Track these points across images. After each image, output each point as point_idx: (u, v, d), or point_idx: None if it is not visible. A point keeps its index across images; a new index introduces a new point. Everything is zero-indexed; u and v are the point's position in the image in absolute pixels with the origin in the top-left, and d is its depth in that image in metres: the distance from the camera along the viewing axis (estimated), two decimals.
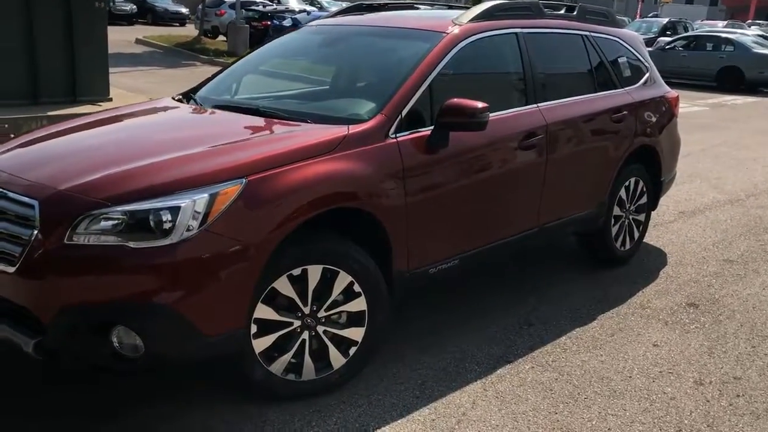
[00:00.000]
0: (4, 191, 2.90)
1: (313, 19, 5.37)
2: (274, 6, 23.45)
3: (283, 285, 2.97)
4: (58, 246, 2.67)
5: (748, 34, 20.03)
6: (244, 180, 2.81)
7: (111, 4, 27.34)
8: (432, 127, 3.46)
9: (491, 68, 4.17)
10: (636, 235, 5.10)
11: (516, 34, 4.15)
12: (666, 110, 5.25)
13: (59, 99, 8.42)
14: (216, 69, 4.57)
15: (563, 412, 3.18)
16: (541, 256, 5.13)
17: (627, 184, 4.88)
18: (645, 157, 5.01)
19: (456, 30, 3.84)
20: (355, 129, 3.24)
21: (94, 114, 4.12)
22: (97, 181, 2.79)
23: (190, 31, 26.12)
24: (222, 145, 3.09)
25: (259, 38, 18.09)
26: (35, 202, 2.74)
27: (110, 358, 2.76)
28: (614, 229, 4.88)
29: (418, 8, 4.87)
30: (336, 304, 3.13)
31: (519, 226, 4.10)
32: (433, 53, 3.65)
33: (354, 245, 3.17)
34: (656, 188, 5.21)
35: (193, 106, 3.92)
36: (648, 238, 5.52)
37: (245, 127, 3.38)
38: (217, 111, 3.76)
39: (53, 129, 3.62)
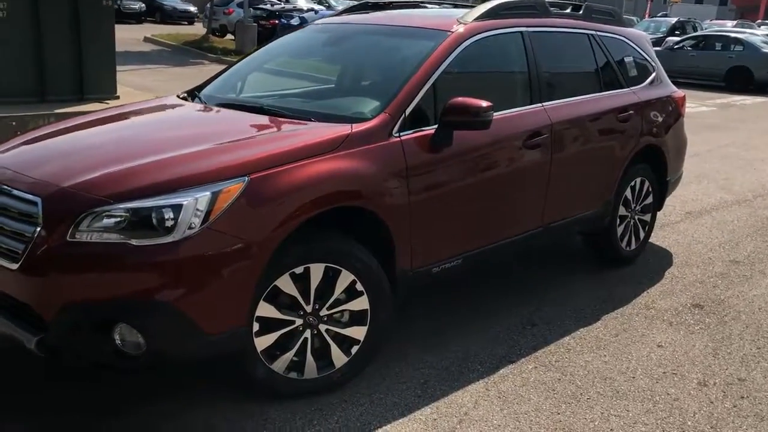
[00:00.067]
0: (8, 188, 2.91)
1: (321, 18, 5.36)
2: (282, 5, 23.45)
3: (285, 283, 2.97)
4: (61, 243, 2.67)
5: (757, 34, 19.92)
6: (246, 178, 2.81)
7: (119, 2, 27.43)
8: (436, 126, 3.45)
9: (496, 67, 4.16)
10: (641, 235, 5.08)
11: (521, 33, 4.13)
12: (672, 110, 5.22)
13: (66, 96, 8.43)
14: (223, 67, 4.57)
15: (566, 413, 3.17)
16: (546, 255, 5.11)
17: (633, 184, 4.86)
18: (651, 157, 4.99)
19: (461, 29, 3.83)
20: (358, 128, 3.24)
21: (98, 112, 4.13)
22: (100, 178, 2.79)
23: (198, 29, 26.16)
24: (225, 143, 3.09)
25: (267, 37, 18.08)
26: (38, 199, 2.75)
27: (112, 356, 2.76)
28: (620, 229, 4.86)
29: (425, 7, 4.85)
30: (338, 302, 3.13)
31: (523, 226, 4.09)
32: (437, 52, 3.64)
33: (357, 244, 3.16)
34: (662, 188, 5.19)
35: (198, 104, 3.92)
36: (654, 239, 5.49)
37: (248, 126, 3.39)
38: (221, 109, 3.76)
39: (57, 126, 3.63)
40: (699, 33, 21.77)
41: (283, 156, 2.97)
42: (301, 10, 22.04)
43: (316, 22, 4.76)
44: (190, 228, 2.68)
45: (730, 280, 4.86)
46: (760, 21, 38.55)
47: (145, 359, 2.74)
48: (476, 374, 3.44)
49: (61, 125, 3.64)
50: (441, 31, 3.81)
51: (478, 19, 3.94)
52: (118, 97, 8.86)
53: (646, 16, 34.49)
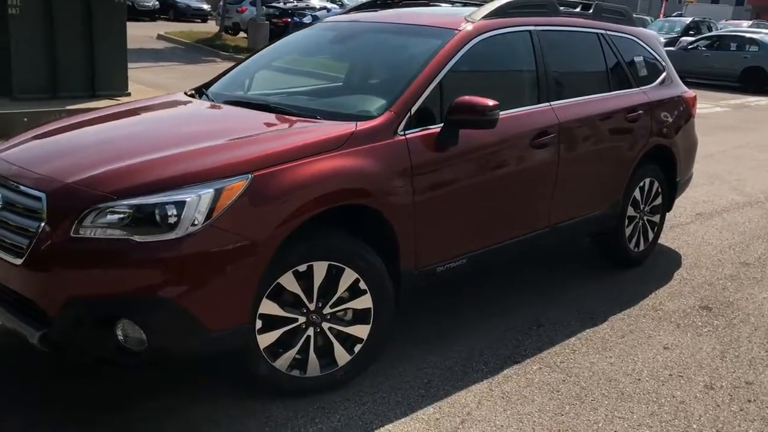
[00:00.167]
0: (14, 184, 2.93)
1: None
2: (295, 3, 23.49)
3: (288, 281, 2.96)
4: (65, 239, 2.68)
5: None
6: (249, 175, 2.81)
7: None
8: (442, 125, 3.43)
9: (504, 66, 4.13)
10: (650, 236, 5.04)
11: (530, 31, 4.11)
12: (683, 110, 5.17)
13: (78, 93, 8.50)
14: (232, 65, 4.58)
15: (569, 414, 3.15)
16: (554, 256, 5.08)
17: (641, 184, 4.82)
18: (660, 158, 4.95)
19: (469, 27, 3.81)
20: (363, 126, 3.23)
21: (105, 108, 4.15)
22: (104, 174, 2.80)
23: (211, 27, 26.30)
24: (229, 140, 3.09)
25: (279, 35, 18.06)
26: (42, 195, 2.77)
27: (115, 352, 2.77)
28: (628, 230, 4.83)
29: (437, 5, 4.79)
30: (341, 301, 3.12)
31: (530, 226, 4.07)
32: (444, 50, 3.62)
33: (361, 243, 3.16)
34: (672, 189, 5.15)
35: (205, 102, 3.92)
36: (663, 240, 5.45)
37: (254, 123, 3.38)
38: (228, 106, 3.76)
39: (63, 123, 3.65)
40: (713, 33, 21.60)
41: (287, 153, 2.97)
42: (313, 9, 22.08)
43: (326, 19, 4.75)
44: (193, 225, 2.68)
45: (739, 282, 4.81)
46: None
47: (148, 355, 2.74)
48: (480, 374, 3.42)
49: (67, 121, 3.66)
50: (448, 29, 3.79)
51: (486, 17, 3.92)
52: (129, 94, 8.92)
53: (661, 15, 34.22)
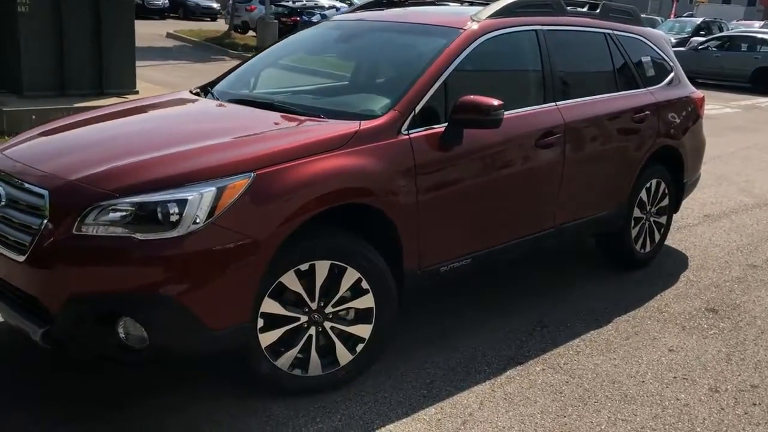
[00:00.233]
0: (18, 181, 2.94)
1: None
2: (304, 2, 23.51)
3: (290, 280, 2.96)
4: (67, 236, 2.69)
5: None
6: (252, 174, 2.81)
7: None
8: (446, 124, 3.42)
9: (509, 65, 4.12)
10: (657, 237, 5.01)
11: (536, 31, 4.09)
12: (691, 111, 5.14)
13: (86, 91, 8.52)
14: (237, 63, 4.58)
15: (572, 416, 3.13)
16: (559, 257, 5.06)
17: (648, 185, 4.79)
18: (668, 159, 4.92)
19: (474, 26, 3.79)
20: (366, 125, 3.22)
21: (110, 106, 4.16)
22: (106, 172, 2.80)
23: (220, 26, 26.36)
24: (232, 138, 3.09)
25: (287, 34, 18.13)
26: (45, 192, 2.77)
27: (116, 349, 2.77)
28: (634, 231, 4.80)
29: (445, 4, 4.76)
30: (343, 300, 3.11)
31: (535, 226, 4.05)
32: (449, 49, 3.61)
33: (363, 242, 3.15)
34: (679, 190, 5.11)
35: (209, 100, 3.93)
36: (670, 241, 5.42)
37: (257, 122, 3.38)
38: (232, 105, 3.76)
39: (67, 121, 3.65)
40: (724, 33, 21.46)
41: (290, 152, 2.96)
42: (322, 8, 22.09)
43: (333, 18, 4.74)
44: (194, 223, 2.68)
45: (746, 284, 4.77)
46: None
47: (149, 353, 2.74)
48: (483, 375, 3.41)
49: (72, 119, 3.66)
50: (454, 28, 3.78)
51: (492, 16, 3.91)
52: (137, 92, 8.94)
53: (672, 16, 34.05)
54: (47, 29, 8.22)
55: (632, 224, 4.76)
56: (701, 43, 19.79)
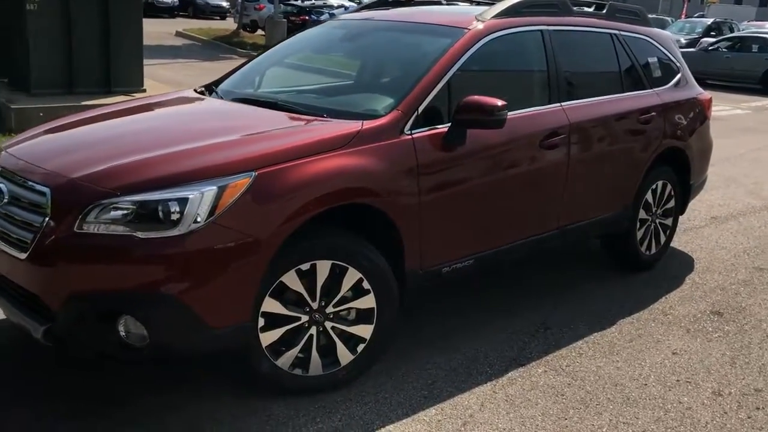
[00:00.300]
0: (21, 178, 2.95)
1: None
2: (313, 1, 23.54)
3: (291, 279, 2.96)
4: (68, 234, 2.70)
5: None
6: (253, 173, 2.81)
7: None
8: (449, 124, 3.41)
9: (514, 65, 4.10)
10: (662, 239, 4.98)
11: (541, 31, 4.07)
12: (698, 112, 5.11)
13: (94, 89, 8.55)
14: (242, 62, 4.58)
15: (573, 418, 3.11)
16: (563, 258, 5.04)
17: (654, 187, 4.77)
18: (674, 160, 4.89)
19: (479, 26, 3.78)
20: (369, 125, 3.21)
21: (115, 104, 4.17)
22: (108, 170, 2.81)
23: (229, 24, 26.41)
24: (234, 137, 3.09)
25: (296, 33, 18.17)
26: (47, 190, 2.78)
27: (117, 347, 2.78)
28: (639, 233, 4.77)
29: (456, 3, 4.72)
30: (344, 300, 3.11)
31: (539, 227, 4.03)
32: (453, 49, 3.60)
33: (364, 242, 3.14)
34: (685, 192, 5.08)
35: (213, 99, 3.93)
36: (676, 243, 5.39)
37: (260, 121, 3.38)
38: (236, 104, 3.76)
39: (71, 119, 3.66)
40: (735, 34, 21.32)
41: (291, 152, 2.96)
42: (331, 7, 22.11)
43: (341, 17, 4.74)
44: (195, 222, 2.68)
45: (753, 287, 4.74)
46: None
47: (149, 351, 2.75)
48: (484, 376, 3.40)
49: (76, 117, 3.67)
50: (458, 28, 3.77)
51: (497, 16, 3.89)
52: (145, 91, 8.95)
53: (683, 16, 33.86)
54: (56, 27, 8.25)
55: (638, 226, 4.73)
56: (711, 44, 19.67)
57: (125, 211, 2.69)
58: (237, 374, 3.15)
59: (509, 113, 3.43)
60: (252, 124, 3.33)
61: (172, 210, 2.67)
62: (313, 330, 3.07)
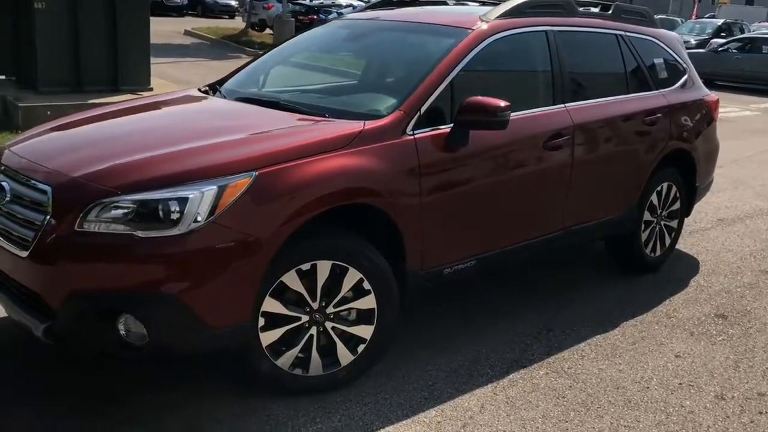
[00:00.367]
0: (24, 177, 2.96)
1: None
2: (322, 0, 23.54)
3: (291, 279, 2.96)
4: (69, 232, 2.70)
5: None
6: (254, 173, 2.81)
7: None
8: (452, 125, 3.40)
9: (518, 66, 4.08)
10: (667, 241, 4.95)
11: (546, 32, 4.05)
12: (704, 114, 5.07)
13: (101, 87, 8.58)
14: (246, 61, 4.59)
15: (574, 421, 3.10)
16: (567, 260, 5.02)
17: (659, 188, 4.74)
18: (679, 162, 4.86)
19: (483, 26, 3.77)
20: (371, 125, 3.21)
21: (118, 103, 4.18)
22: (109, 169, 2.81)
23: (238, 23, 26.43)
24: (236, 137, 3.08)
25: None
26: (48, 188, 2.79)
27: (117, 346, 2.79)
28: (644, 235, 4.74)
29: (465, 4, 4.70)
30: (345, 300, 3.10)
31: (542, 229, 4.02)
32: (456, 50, 3.59)
33: (365, 242, 3.13)
34: (691, 194, 5.05)
35: (216, 98, 3.93)
36: (682, 246, 5.36)
37: (262, 121, 3.38)
38: (238, 103, 3.76)
39: (75, 117, 3.68)
40: (745, 35, 21.19)
41: (292, 152, 2.96)
42: (339, 6, 22.11)
43: (345, 16, 4.73)
44: (195, 221, 2.68)
45: (758, 290, 4.71)
46: None
47: (149, 350, 2.75)
48: (485, 378, 3.39)
49: (79, 116, 3.69)
50: (462, 28, 3.75)
51: (501, 17, 3.88)
52: (152, 89, 8.98)
53: (693, 17, 33.69)
54: (63, 25, 8.29)
55: (642, 228, 4.71)
56: (721, 45, 19.56)
57: (126, 210, 2.69)
58: (237, 374, 3.15)
59: (512, 114, 3.42)
60: (254, 123, 3.33)
61: (172, 209, 2.68)
62: (314, 330, 3.07)
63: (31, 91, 8.34)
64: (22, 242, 2.81)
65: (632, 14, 4.81)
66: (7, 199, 2.95)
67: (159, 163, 2.86)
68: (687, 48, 5.94)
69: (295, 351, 3.05)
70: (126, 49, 8.70)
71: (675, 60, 5.00)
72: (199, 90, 4.14)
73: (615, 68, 4.54)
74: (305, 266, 2.97)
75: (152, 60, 9.48)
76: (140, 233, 2.67)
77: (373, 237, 3.18)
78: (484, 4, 4.50)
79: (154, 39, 9.46)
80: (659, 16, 27.40)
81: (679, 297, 4.52)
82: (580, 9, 4.43)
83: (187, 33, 22.40)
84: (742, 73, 18.14)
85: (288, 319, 3.01)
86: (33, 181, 2.88)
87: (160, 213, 2.68)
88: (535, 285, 4.55)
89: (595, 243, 5.01)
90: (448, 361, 3.51)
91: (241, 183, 2.77)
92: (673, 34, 5.37)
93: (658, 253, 4.89)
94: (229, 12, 31.90)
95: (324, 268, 3.00)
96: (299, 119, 3.36)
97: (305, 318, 3.04)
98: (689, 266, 5.07)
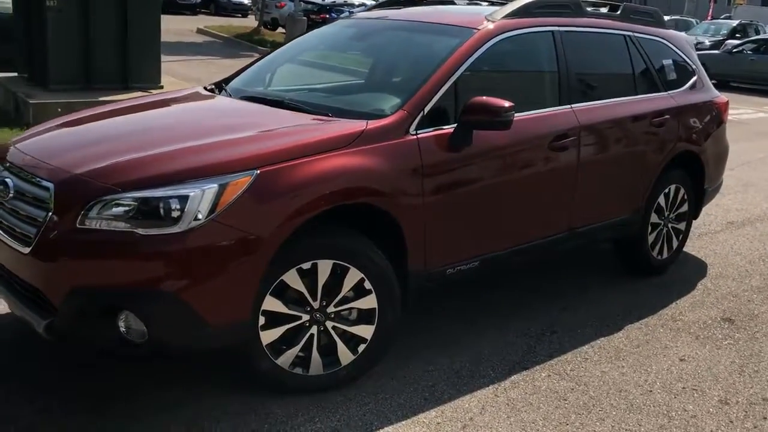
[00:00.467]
0: (28, 174, 2.98)
1: None
2: None
3: (292, 278, 2.95)
4: (71, 229, 2.71)
5: None
6: (255, 172, 2.81)
7: None
8: (455, 125, 3.38)
9: (524, 66, 4.07)
10: (675, 244, 4.91)
11: (552, 32, 4.03)
12: (714, 116, 5.03)
13: (111, 85, 8.60)
14: (252, 59, 4.59)
15: (574, 424, 3.08)
16: (573, 261, 4.99)
17: (666, 191, 4.70)
18: (688, 164, 4.82)
19: (489, 26, 3.75)
20: (373, 124, 3.20)
21: (124, 101, 4.20)
22: (111, 167, 2.82)
23: (251, 22, 26.49)
24: (238, 136, 3.08)
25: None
26: (51, 185, 2.80)
27: (117, 343, 2.79)
28: (651, 237, 4.71)
29: (479, 3, 4.67)
30: (346, 300, 3.10)
31: (547, 230, 3.99)
32: (461, 49, 3.57)
33: (367, 242, 3.12)
34: (699, 196, 5.01)
35: (222, 97, 3.94)
36: (691, 248, 5.32)
37: (265, 119, 3.38)
38: (243, 102, 3.76)
39: (79, 115, 3.70)
40: (760, 36, 21.00)
41: (294, 150, 2.95)
42: (351, 5, 22.10)
43: (353, 16, 4.73)
44: (196, 219, 2.69)
45: (766, 294, 4.66)
46: None
47: (149, 348, 2.76)
48: (486, 379, 3.37)
49: (84, 114, 3.71)
50: (468, 28, 3.74)
51: (507, 16, 3.86)
52: (162, 87, 9.00)
53: (709, 17, 33.42)
54: (74, 23, 8.32)
55: (649, 230, 4.68)
56: (736, 46, 19.38)
57: (127, 208, 2.70)
58: (237, 372, 3.15)
59: (517, 114, 3.40)
60: (257, 122, 3.34)
61: (173, 207, 2.68)
62: (314, 329, 3.06)
63: (42, 88, 8.38)
64: (25, 238, 2.83)
65: (641, 15, 4.77)
66: (11, 195, 2.97)
67: (160, 160, 2.86)
68: (701, 49, 5.86)
69: (295, 350, 3.05)
70: (136, 46, 8.73)
71: (684, 61, 4.96)
72: (205, 88, 4.14)
73: (623, 69, 4.51)
74: (306, 265, 2.96)
75: (164, 58, 9.51)
76: (141, 231, 2.67)
77: (375, 237, 3.17)
78: (492, 3, 4.47)
79: (167, 37, 9.50)
80: (674, 17, 27.23)
81: (686, 300, 4.48)
82: (589, 9, 4.40)
83: (199, 31, 22.47)
84: (756, 75, 17.97)
85: (288, 318, 3.01)
86: (36, 178, 2.90)
87: (161, 211, 2.69)
88: (541, 286, 4.53)
89: (602, 245, 4.98)
90: (449, 362, 3.50)
91: (242, 181, 2.77)
92: (682, 34, 5.34)
93: (665, 255, 4.85)
94: (242, 10, 31.96)
95: (325, 267, 3.00)
96: (302, 118, 3.35)
97: (306, 317, 3.03)
98: (697, 269, 5.03)
